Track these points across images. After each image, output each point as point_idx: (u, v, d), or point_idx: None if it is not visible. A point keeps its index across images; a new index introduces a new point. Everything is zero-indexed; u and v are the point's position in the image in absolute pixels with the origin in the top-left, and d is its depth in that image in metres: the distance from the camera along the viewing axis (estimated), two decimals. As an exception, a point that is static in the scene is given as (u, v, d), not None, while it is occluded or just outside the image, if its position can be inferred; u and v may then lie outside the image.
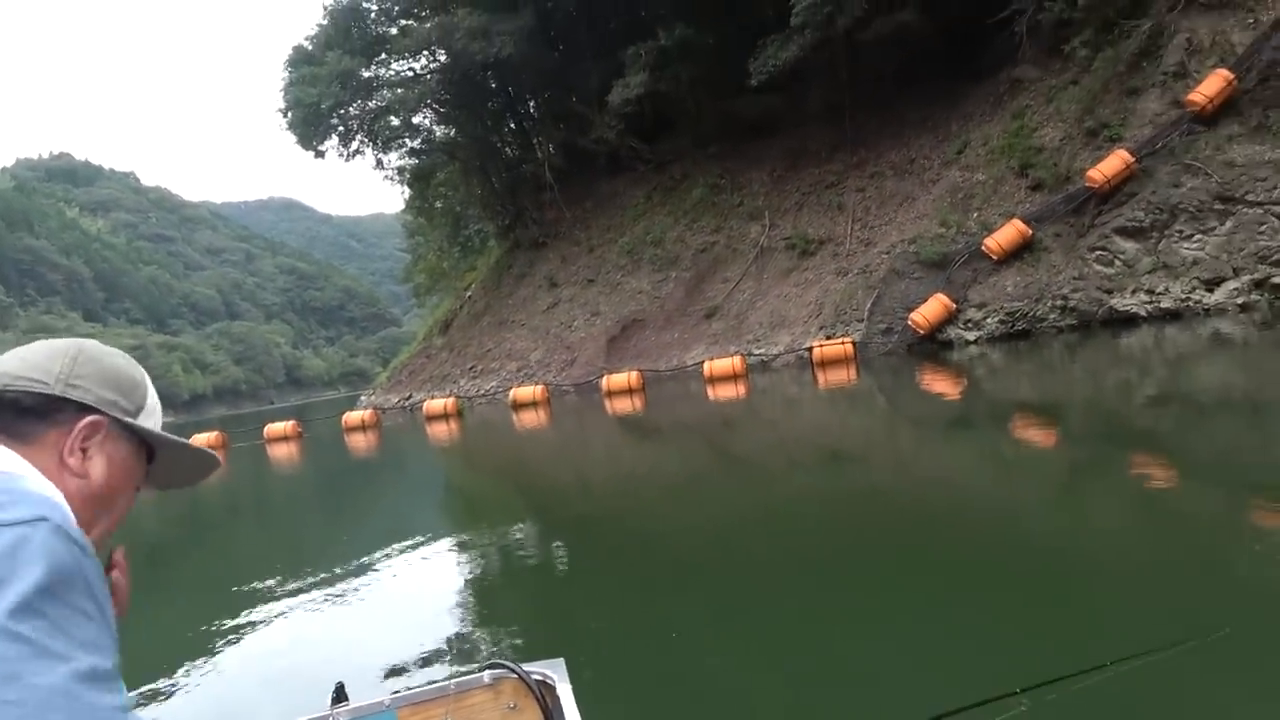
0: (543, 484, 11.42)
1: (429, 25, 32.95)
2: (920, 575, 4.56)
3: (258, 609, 5.94)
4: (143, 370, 1.09)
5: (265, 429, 28.70)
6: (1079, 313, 17.89)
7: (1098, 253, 18.21)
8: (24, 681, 0.68)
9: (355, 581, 6.39)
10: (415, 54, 34.86)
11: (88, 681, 0.71)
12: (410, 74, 35.87)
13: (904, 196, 23.95)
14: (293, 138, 35.27)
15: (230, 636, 5.39)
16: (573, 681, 1.81)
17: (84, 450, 0.96)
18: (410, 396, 32.68)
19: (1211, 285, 16.65)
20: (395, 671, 4.15)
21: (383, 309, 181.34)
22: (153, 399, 1.08)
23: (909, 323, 19.54)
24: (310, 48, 35.37)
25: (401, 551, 7.25)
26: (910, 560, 4.87)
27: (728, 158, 29.62)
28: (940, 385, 14.39)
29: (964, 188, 22.06)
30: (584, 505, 8.98)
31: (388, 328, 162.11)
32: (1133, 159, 17.89)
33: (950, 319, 19.26)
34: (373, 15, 35.85)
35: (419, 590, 6.13)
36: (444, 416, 25.63)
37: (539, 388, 25.49)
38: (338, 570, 6.80)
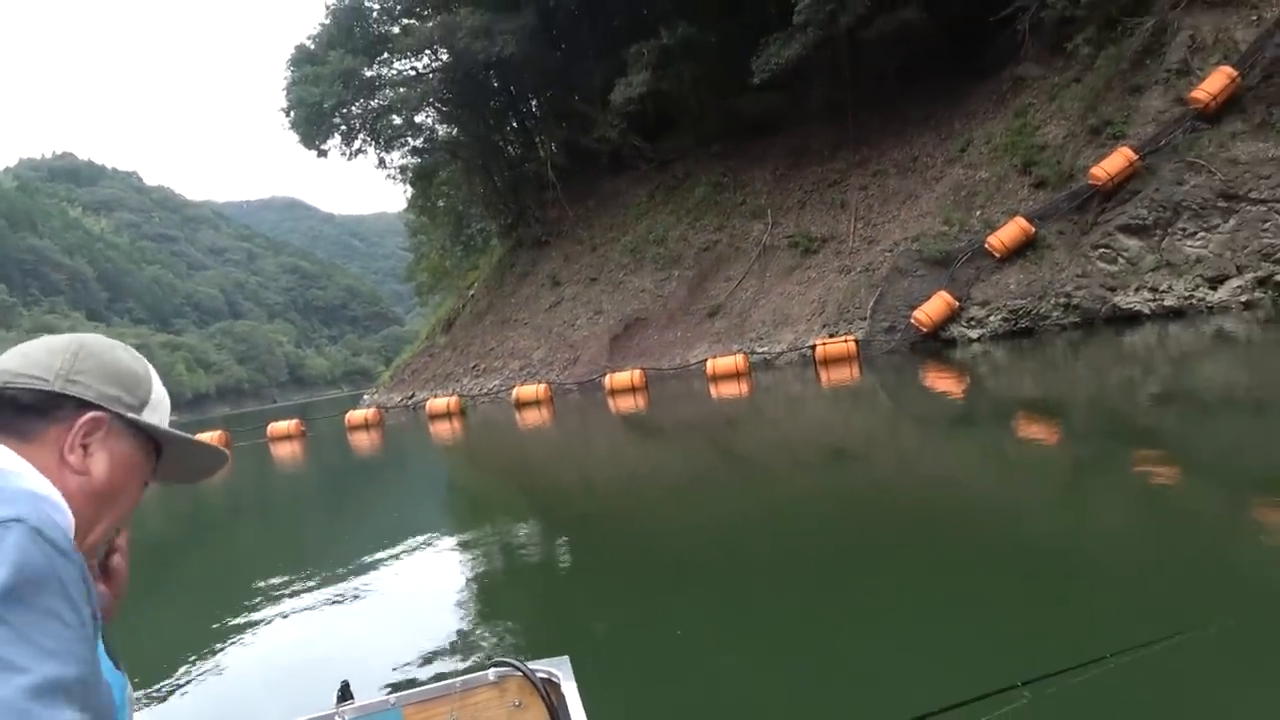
0: (546, 482, 11.41)
1: (431, 24, 32.95)
2: (922, 572, 4.57)
3: (262, 608, 5.95)
4: (148, 364, 1.06)
5: (268, 428, 28.73)
6: (1082, 310, 17.87)
7: (1101, 250, 18.18)
8: None
9: (359, 580, 6.41)
10: (417, 53, 34.88)
11: (45, 696, 0.66)
12: (412, 73, 35.93)
13: (907, 194, 23.92)
14: (295, 137, 35.41)
15: (234, 635, 5.41)
16: (578, 679, 1.81)
17: (85, 447, 0.94)
18: (413, 395, 32.72)
19: (1215, 283, 16.63)
20: (400, 670, 4.17)
21: (385, 308, 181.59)
22: (158, 393, 1.05)
23: (912, 321, 19.53)
24: (312, 47, 35.44)
25: (405, 550, 7.27)
26: (913, 557, 4.88)
27: (730, 156, 29.60)
28: (943, 383, 14.38)
29: (967, 185, 22.03)
30: (587, 504, 8.97)
31: (390, 327, 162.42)
32: (1136, 156, 17.86)
33: (953, 317, 19.25)
34: (375, 14, 35.88)
35: (423, 589, 6.15)
36: (447, 415, 25.62)
37: (542, 386, 25.47)
38: (341, 569, 6.81)
